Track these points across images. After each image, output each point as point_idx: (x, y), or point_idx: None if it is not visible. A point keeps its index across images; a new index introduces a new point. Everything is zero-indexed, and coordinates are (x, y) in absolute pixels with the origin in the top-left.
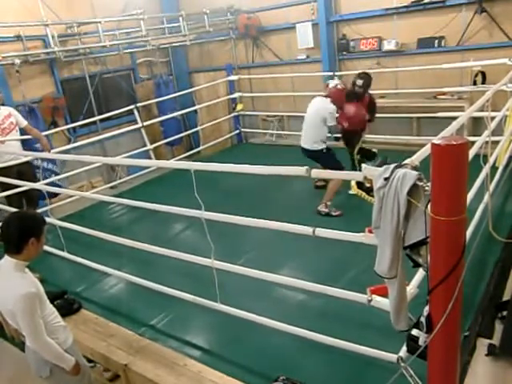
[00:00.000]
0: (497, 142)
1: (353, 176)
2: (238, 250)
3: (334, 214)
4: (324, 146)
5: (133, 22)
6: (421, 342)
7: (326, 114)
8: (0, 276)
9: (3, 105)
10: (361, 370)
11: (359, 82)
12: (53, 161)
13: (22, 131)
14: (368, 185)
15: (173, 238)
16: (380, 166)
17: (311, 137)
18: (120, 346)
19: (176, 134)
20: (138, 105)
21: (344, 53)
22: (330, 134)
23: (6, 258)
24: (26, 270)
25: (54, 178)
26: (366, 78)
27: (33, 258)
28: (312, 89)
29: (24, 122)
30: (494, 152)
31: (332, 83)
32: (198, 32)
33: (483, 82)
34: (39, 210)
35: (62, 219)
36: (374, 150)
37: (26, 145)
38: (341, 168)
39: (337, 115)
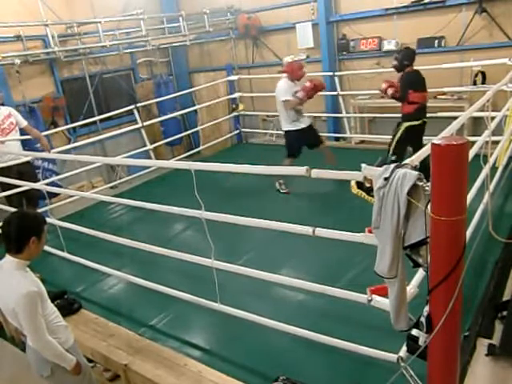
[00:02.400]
0: (497, 142)
1: (353, 176)
2: (238, 250)
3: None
4: (287, 127)
5: (133, 21)
6: (421, 342)
7: (278, 94)
8: (1, 275)
9: (3, 105)
10: (361, 370)
11: (395, 55)
12: (53, 161)
13: (22, 131)
14: (368, 185)
15: (173, 238)
16: (380, 165)
17: (280, 119)
18: (120, 346)
19: (176, 134)
20: (138, 105)
21: (344, 53)
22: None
23: (7, 257)
24: (27, 269)
25: (54, 178)
26: (403, 51)
27: (34, 257)
28: None
29: (24, 122)
30: (494, 152)
31: (285, 59)
32: (198, 32)
33: (483, 82)
34: (39, 210)
35: (62, 219)
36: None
37: (27, 145)
38: (290, 155)
39: (296, 89)
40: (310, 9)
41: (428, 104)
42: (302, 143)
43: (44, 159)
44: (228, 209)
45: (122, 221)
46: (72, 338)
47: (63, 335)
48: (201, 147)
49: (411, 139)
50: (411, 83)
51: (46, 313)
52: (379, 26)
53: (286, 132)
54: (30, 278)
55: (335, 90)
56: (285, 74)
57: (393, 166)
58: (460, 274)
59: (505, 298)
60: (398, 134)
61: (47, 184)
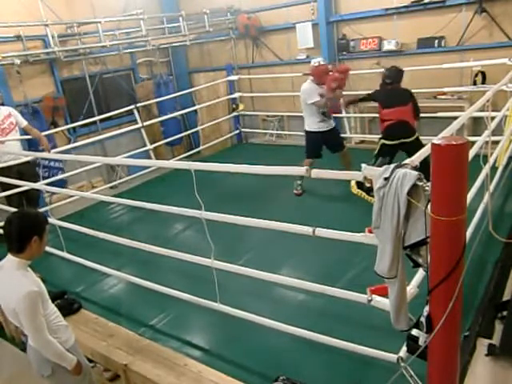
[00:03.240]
0: (497, 142)
1: (353, 176)
2: (238, 250)
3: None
4: (308, 127)
5: (133, 21)
6: (421, 342)
7: (303, 95)
8: (2, 275)
9: (3, 104)
10: (361, 370)
11: (386, 73)
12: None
13: (23, 131)
14: (368, 185)
15: (173, 238)
16: (380, 165)
17: (304, 118)
18: (120, 346)
19: (176, 134)
20: (138, 105)
21: (344, 53)
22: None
23: (9, 256)
24: (28, 268)
25: (62, 176)
26: (395, 72)
27: (35, 256)
28: None
29: (24, 122)
30: (494, 152)
31: (312, 61)
32: (198, 32)
33: (483, 82)
34: (39, 210)
35: (61, 219)
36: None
37: (32, 145)
38: (308, 156)
39: (320, 90)
40: (310, 9)
41: (428, 104)
42: (320, 145)
43: (49, 158)
44: (228, 209)
45: (122, 221)
46: (73, 338)
47: (64, 335)
48: (201, 147)
49: (389, 154)
50: (379, 99)
51: (46, 312)
52: (379, 25)
53: (307, 132)
54: (31, 277)
55: None
56: (310, 77)
57: (393, 166)
58: (460, 274)
59: (505, 298)
60: (376, 151)
61: (54, 182)
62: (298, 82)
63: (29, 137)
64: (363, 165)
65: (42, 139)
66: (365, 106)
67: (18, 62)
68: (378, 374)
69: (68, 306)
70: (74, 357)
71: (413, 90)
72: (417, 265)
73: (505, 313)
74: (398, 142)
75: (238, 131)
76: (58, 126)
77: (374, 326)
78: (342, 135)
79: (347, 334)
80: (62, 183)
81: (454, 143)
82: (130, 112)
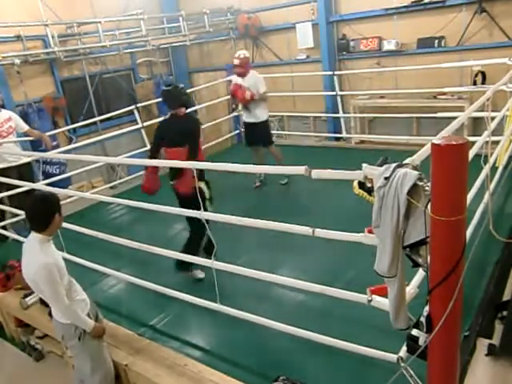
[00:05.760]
0: (497, 142)
1: (353, 176)
2: (238, 251)
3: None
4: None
5: (133, 22)
6: (421, 342)
7: None
8: (28, 247)
9: (3, 107)
10: (361, 370)
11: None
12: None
13: (21, 135)
14: (369, 185)
15: (173, 238)
16: (381, 165)
17: None
18: (120, 346)
19: None
20: (138, 105)
21: (344, 53)
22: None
23: (33, 234)
24: (51, 243)
25: (66, 175)
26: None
27: (55, 232)
28: (312, 89)
29: (25, 127)
30: (494, 152)
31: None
32: (198, 32)
33: (483, 82)
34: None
35: None
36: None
37: (35, 149)
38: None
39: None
40: (310, 9)
41: (428, 104)
42: (246, 134)
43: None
44: (228, 208)
45: (122, 221)
46: (87, 310)
47: (81, 309)
48: None
49: None
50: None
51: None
52: (379, 25)
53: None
54: (49, 251)
55: (335, 90)
56: None
57: (394, 165)
58: (460, 274)
59: (505, 298)
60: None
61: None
62: (298, 82)
63: (29, 138)
64: (364, 164)
65: (43, 137)
66: (365, 106)
67: (18, 61)
68: (377, 374)
69: None
70: (92, 321)
71: (413, 90)
72: (416, 265)
73: (505, 313)
74: None
75: (237, 131)
76: (58, 127)
77: (374, 326)
78: (340, 135)
79: (347, 334)
80: (63, 184)
81: (454, 143)
82: (130, 112)
